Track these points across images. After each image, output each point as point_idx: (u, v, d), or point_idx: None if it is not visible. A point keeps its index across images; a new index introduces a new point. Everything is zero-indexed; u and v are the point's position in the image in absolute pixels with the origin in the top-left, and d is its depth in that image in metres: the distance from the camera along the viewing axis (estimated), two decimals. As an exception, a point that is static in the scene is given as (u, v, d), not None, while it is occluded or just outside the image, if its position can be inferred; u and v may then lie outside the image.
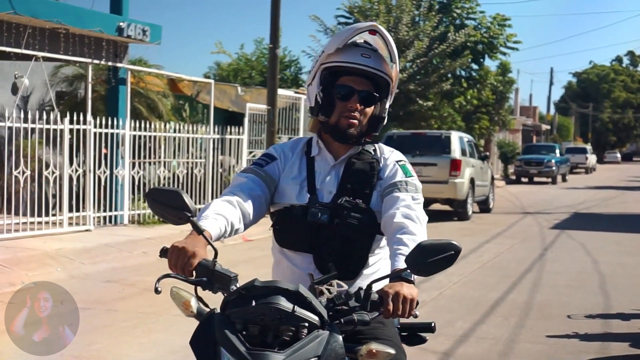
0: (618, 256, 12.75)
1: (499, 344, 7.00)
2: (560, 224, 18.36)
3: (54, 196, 12.77)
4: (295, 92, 20.77)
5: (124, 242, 12.11)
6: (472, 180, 19.22)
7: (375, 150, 3.13)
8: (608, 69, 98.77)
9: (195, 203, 15.33)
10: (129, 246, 11.90)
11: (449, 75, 27.66)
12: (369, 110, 3.03)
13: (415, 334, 2.98)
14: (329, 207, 2.94)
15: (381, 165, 3.07)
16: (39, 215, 12.29)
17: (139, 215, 14.47)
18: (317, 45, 26.35)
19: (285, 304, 2.40)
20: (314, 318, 2.43)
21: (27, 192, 12.08)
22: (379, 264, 3.03)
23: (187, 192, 15.08)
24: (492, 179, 22.31)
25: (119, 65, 14.42)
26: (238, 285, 2.53)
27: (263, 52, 30.02)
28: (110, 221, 13.94)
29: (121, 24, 13.93)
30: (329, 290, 2.60)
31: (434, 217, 18.71)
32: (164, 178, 15.05)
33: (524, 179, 39.17)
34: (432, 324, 2.92)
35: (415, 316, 2.56)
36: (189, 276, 2.57)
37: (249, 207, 2.86)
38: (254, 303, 2.41)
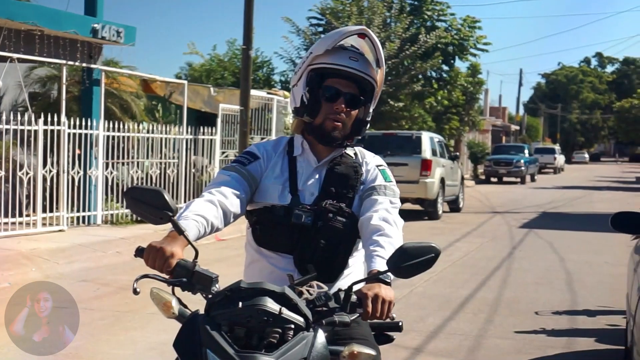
0: (584, 254, 13.04)
1: (469, 339, 7.20)
2: (529, 223, 18.68)
3: (28, 197, 12.80)
4: (268, 93, 20.91)
5: (98, 242, 12.19)
6: (442, 180, 19.48)
7: (356, 154, 3.16)
8: (576, 70, 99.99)
9: (169, 203, 15.44)
10: (103, 246, 11.98)
11: (420, 76, 27.92)
12: (354, 112, 3.06)
13: (382, 333, 2.99)
14: (313, 209, 2.95)
15: (363, 169, 3.10)
16: (13, 215, 12.32)
17: (112, 215, 14.53)
18: (290, 46, 26.49)
19: (272, 305, 2.40)
20: (300, 320, 2.44)
21: (1, 193, 12.11)
22: (356, 266, 3.07)
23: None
24: (462, 178, 22.60)
25: (93, 66, 14.47)
26: (218, 286, 2.52)
27: (235, 53, 30.05)
28: (83, 221, 13.99)
29: (95, 25, 13.98)
30: (308, 291, 2.60)
31: (405, 216, 18.77)
32: (137, 178, 15.12)
33: (493, 179, 39.60)
34: (400, 324, 2.92)
35: (392, 318, 2.59)
36: (167, 276, 2.55)
37: (230, 206, 2.85)
38: (240, 305, 2.39)
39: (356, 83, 3.04)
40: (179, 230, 2.56)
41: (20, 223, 12.47)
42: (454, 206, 21.51)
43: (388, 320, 2.57)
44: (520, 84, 73.98)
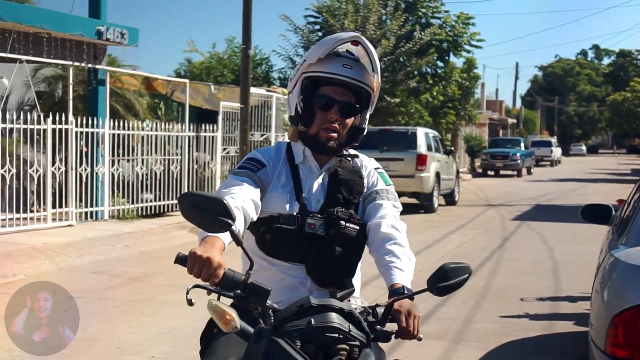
0: (572, 245, 13.55)
1: (457, 323, 7.75)
2: (522, 215, 19.19)
3: (38, 193, 13.30)
4: (267, 90, 21.41)
5: (107, 236, 12.70)
6: (437, 174, 19.96)
7: (353, 157, 3.14)
8: (573, 62, 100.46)
9: (173, 198, 15.99)
10: (111, 240, 12.50)
11: (415, 72, 28.41)
12: (349, 121, 3.02)
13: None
14: (324, 217, 2.93)
15: (364, 173, 3.11)
16: (24, 211, 12.85)
17: (118, 210, 15.04)
18: (287, 44, 26.95)
19: (342, 322, 2.44)
20: (363, 336, 2.48)
21: (13, 190, 12.62)
22: (359, 272, 3.07)
23: (164, 187, 15.84)
24: (457, 172, 23.06)
25: (98, 67, 15.01)
26: (281, 299, 2.54)
27: (234, 51, 30.49)
28: (91, 216, 14.49)
29: (100, 27, 14.54)
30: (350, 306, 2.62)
31: (402, 210, 19.40)
32: (142, 175, 15.65)
33: (490, 172, 40.03)
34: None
35: (420, 339, 2.66)
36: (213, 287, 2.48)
37: (250, 211, 2.77)
38: (313, 321, 2.42)
39: (351, 90, 2.99)
40: (237, 241, 2.52)
41: (31, 218, 12.97)
42: (449, 199, 22.00)
43: (415, 339, 2.63)
44: (517, 77, 74.01)
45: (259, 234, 2.96)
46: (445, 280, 2.62)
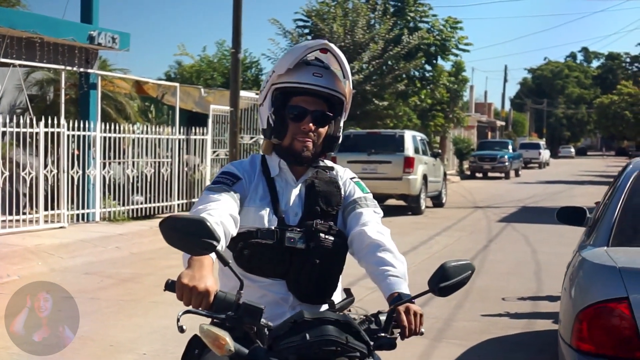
0: (556, 247, 13.70)
1: (439, 322, 7.98)
2: (507, 217, 19.44)
3: (30, 195, 13.49)
4: (256, 94, 21.62)
5: (98, 238, 12.92)
6: (424, 177, 20.15)
7: (330, 168, 3.09)
8: (562, 65, 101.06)
9: (163, 200, 16.20)
10: (103, 241, 12.71)
11: (404, 75, 28.67)
12: (323, 130, 2.95)
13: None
14: (303, 231, 2.86)
15: (341, 184, 3.04)
16: (17, 213, 13.04)
17: (109, 212, 15.25)
18: (277, 47, 27.16)
19: (339, 335, 2.39)
20: (363, 347, 2.43)
21: (5, 193, 12.81)
22: (340, 281, 3.01)
23: (154, 190, 16.04)
24: (445, 175, 23.28)
25: (90, 71, 15.22)
26: (264, 317, 2.43)
27: (224, 54, 30.69)
28: (83, 218, 14.69)
29: (92, 32, 14.76)
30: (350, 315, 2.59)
31: (389, 211, 19.66)
32: (133, 177, 15.86)
33: (478, 175, 40.28)
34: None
35: (422, 333, 2.58)
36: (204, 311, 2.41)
37: (229, 227, 2.69)
38: (308, 336, 2.36)
39: (323, 99, 2.93)
40: (224, 262, 2.43)
41: (24, 220, 13.18)
42: (436, 202, 22.21)
43: (418, 335, 2.58)
44: (505, 80, 74.39)
45: (236, 250, 2.86)
46: (446, 280, 2.56)
